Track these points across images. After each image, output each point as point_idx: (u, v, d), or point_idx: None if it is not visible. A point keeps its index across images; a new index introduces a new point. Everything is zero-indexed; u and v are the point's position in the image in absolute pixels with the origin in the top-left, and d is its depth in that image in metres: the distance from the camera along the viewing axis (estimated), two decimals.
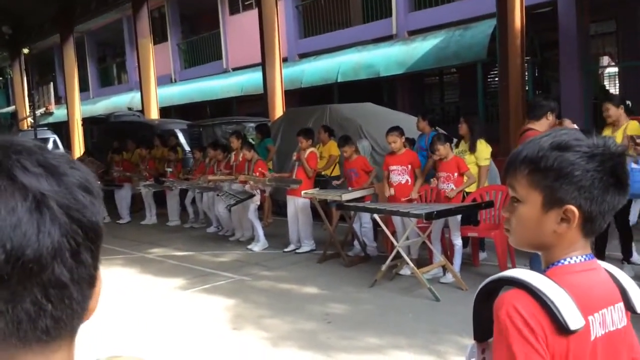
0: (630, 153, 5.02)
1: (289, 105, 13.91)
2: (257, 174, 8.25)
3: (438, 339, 4.42)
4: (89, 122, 19.88)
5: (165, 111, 19.19)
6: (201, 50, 21.70)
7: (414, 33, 14.63)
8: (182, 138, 12.92)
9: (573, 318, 1.02)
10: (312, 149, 7.84)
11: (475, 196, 6.45)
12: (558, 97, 11.37)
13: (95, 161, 12.20)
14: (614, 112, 5.67)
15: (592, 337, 1.07)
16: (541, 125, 4.64)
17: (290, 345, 4.52)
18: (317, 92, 15.90)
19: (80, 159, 13.13)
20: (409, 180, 6.54)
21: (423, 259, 6.47)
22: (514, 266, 5.97)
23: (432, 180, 6.51)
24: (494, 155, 8.42)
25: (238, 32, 19.46)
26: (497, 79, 12.15)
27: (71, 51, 20.06)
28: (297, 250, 7.76)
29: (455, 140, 6.93)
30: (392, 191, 6.62)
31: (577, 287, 1.07)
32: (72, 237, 0.53)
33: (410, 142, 7.48)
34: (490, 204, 6.08)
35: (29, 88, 24.91)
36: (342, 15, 16.67)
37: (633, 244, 5.78)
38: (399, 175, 6.57)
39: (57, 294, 0.52)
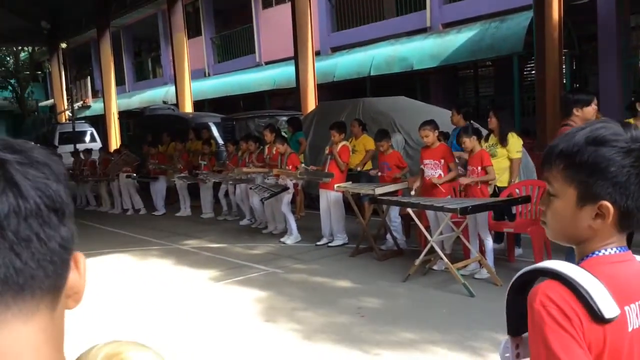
0: None
1: (321, 99, 13.91)
2: (290, 167, 8.29)
3: (473, 335, 4.38)
4: (125, 116, 20.26)
5: (199, 105, 19.40)
6: (234, 45, 21.84)
7: (449, 25, 14.45)
8: (215, 131, 13.05)
9: (608, 306, 1.01)
10: (344, 142, 7.83)
11: (511, 191, 6.36)
12: (596, 90, 11.10)
13: (131, 154, 12.41)
14: None
15: (630, 328, 1.05)
16: (574, 120, 4.55)
17: (324, 339, 4.54)
18: (350, 85, 15.86)
19: (116, 151, 13.37)
20: (442, 174, 6.47)
21: (458, 254, 6.42)
22: None
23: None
24: (530, 150, 8.30)
25: (271, 26, 19.51)
26: (533, 72, 11.93)
27: (107, 46, 20.41)
28: (330, 244, 7.77)
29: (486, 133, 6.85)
30: (418, 185, 6.62)
31: (612, 278, 1.06)
32: (32, 199, 0.55)
33: (445, 136, 7.41)
34: (527, 199, 5.98)
35: (67, 82, 25.44)
36: (375, 8, 16.57)
37: None
38: (432, 169, 6.51)
39: (24, 250, 0.54)
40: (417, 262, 5.89)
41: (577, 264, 1.11)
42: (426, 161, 6.53)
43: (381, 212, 7.24)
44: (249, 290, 6.00)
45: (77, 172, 13.58)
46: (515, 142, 6.49)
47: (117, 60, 23.60)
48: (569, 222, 1.12)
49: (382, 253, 7.01)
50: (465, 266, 5.95)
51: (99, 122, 23.01)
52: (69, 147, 18.14)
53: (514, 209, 6.47)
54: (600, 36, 11.88)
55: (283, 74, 17.15)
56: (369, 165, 8.58)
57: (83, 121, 22.98)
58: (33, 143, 0.62)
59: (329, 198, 7.67)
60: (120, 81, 25.26)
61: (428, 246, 5.89)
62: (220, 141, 12.68)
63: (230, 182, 9.86)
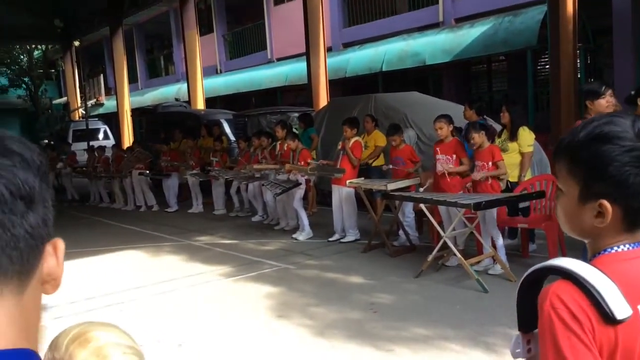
0: None
1: (333, 94, 13.87)
2: (302, 163, 8.27)
3: (486, 331, 4.34)
4: (138, 113, 20.34)
5: (211, 101, 19.43)
6: (246, 41, 21.85)
7: (461, 20, 14.35)
8: (227, 128, 13.06)
9: (619, 307, 0.98)
10: (356, 138, 7.80)
11: (525, 186, 6.30)
12: (612, 84, 10.95)
13: (144, 151, 12.46)
14: None
15: None
16: (589, 113, 4.50)
17: (336, 334, 4.52)
18: (362, 81, 15.80)
19: (129, 148, 13.44)
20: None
21: (471, 250, 6.37)
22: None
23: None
24: (544, 145, 8.22)
25: (282, 22, 19.50)
26: (547, 66, 11.81)
27: (120, 43, 20.50)
28: (342, 240, 7.75)
29: (500, 128, 6.80)
30: (430, 181, 6.59)
31: (624, 276, 1.03)
32: None
33: (458, 131, 7.36)
34: (541, 194, 5.92)
35: (80, 80, 25.60)
36: (387, 3, 16.49)
37: None
38: (444, 164, 6.47)
39: None
40: (430, 258, 5.86)
41: (589, 260, 1.08)
42: (439, 156, 6.49)
43: (393, 208, 7.21)
44: (261, 286, 6.00)
45: (90, 169, 13.67)
46: (526, 136, 6.43)
47: (130, 57, 23.70)
48: (574, 219, 1.10)
49: (394, 249, 6.98)
50: (478, 262, 5.90)
51: (112, 120, 23.13)
52: (83, 145, 18.27)
53: (527, 204, 6.41)
54: (616, 30, 11.73)
55: (295, 70, 17.13)
56: (380, 161, 8.55)
57: (96, 119, 23.14)
58: (9, 133, 0.62)
59: (341, 194, 7.65)
60: (133, 79, 25.38)
61: (441, 242, 5.85)
62: (232, 138, 12.69)
63: (242, 180, 9.86)
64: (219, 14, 22.84)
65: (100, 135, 21.26)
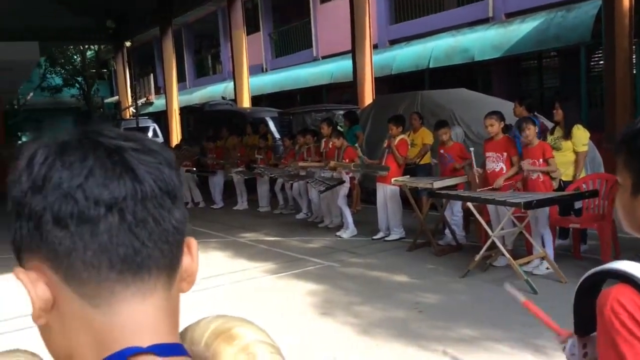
0: None
1: (379, 92, 13.77)
2: (347, 160, 8.23)
3: (535, 333, 4.21)
4: (186, 111, 20.69)
5: (256, 100, 19.60)
6: (291, 39, 21.94)
7: (512, 15, 14.00)
8: (272, 126, 13.13)
9: None
10: (402, 136, 7.71)
11: (577, 185, 6.09)
12: None
13: (191, 149, 12.65)
14: None
15: None
16: None
17: (381, 333, 4.47)
18: (408, 78, 15.63)
19: (177, 146, 13.68)
20: (504, 168, 6.25)
21: (520, 250, 6.20)
22: (617, 259, 5.59)
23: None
24: (598, 143, 7.93)
25: (328, 20, 19.48)
26: (601, 62, 11.40)
27: (170, 43, 20.90)
28: (386, 238, 7.67)
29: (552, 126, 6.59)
30: (477, 173, 6.45)
31: None
32: (147, 182, 0.58)
33: (508, 129, 7.18)
34: (594, 193, 5.71)
35: (131, 79, 26.24)
36: None
37: None
38: (493, 162, 6.31)
39: (141, 232, 0.56)
40: (478, 257, 5.73)
41: None
42: (488, 154, 6.34)
43: (439, 206, 7.09)
44: (305, 283, 5.99)
45: None
46: (581, 134, 6.21)
47: (179, 57, 24.13)
48: (630, 213, 1.07)
49: (440, 248, 6.87)
50: (528, 262, 5.74)
51: (161, 118, 23.62)
52: None
53: (580, 204, 6.19)
54: None
55: (340, 67, 17.09)
56: (426, 160, 8.43)
57: (146, 117, 23.66)
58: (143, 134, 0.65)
59: (386, 192, 7.57)
60: (181, 78, 25.84)
61: (489, 241, 5.72)
62: (277, 135, 12.75)
63: (287, 179, 9.88)
64: (266, 12, 23.00)
65: (150, 134, 21.71)
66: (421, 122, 8.52)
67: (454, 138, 7.60)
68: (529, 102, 7.10)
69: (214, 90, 23.42)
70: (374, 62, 13.63)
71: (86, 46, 32.37)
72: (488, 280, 5.64)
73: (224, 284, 6.19)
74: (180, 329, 0.65)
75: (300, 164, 9.27)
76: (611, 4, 9.47)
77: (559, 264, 5.53)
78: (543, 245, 5.70)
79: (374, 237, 7.77)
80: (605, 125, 9.70)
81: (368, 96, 13.16)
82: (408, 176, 7.50)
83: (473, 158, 6.70)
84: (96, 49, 33.01)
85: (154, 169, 0.58)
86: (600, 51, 11.20)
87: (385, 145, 7.73)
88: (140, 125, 20.56)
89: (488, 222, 6.10)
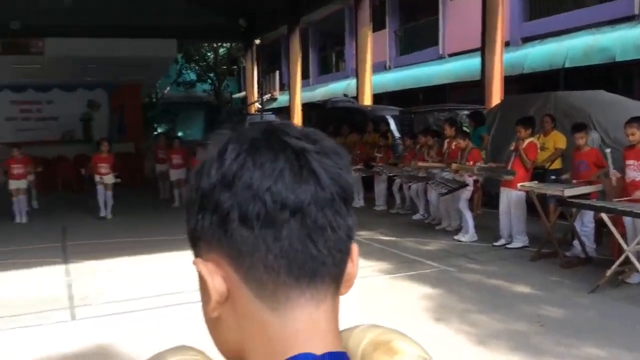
0: None
1: (508, 92, 13.16)
2: (471, 163, 7.95)
3: None
4: (308, 108, 21.09)
5: (378, 97, 19.52)
6: (417, 37, 21.62)
7: None
8: (392, 124, 13.01)
9: None
10: (531, 139, 7.31)
11: None
12: None
13: None
14: None
15: None
16: None
17: (499, 345, 4.25)
18: (539, 78, 14.82)
19: None
20: None
21: None
22: None
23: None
24: None
25: (457, 16, 18.96)
26: None
27: (296, 41, 21.41)
28: (508, 245, 7.32)
29: None
30: (615, 176, 5.94)
31: None
32: (328, 188, 0.57)
33: None
34: None
35: (258, 76, 27.22)
36: None
37: None
38: (634, 171, 5.80)
39: (319, 238, 0.56)
40: (609, 272, 5.29)
41: None
42: (629, 162, 5.84)
43: (569, 216, 6.63)
44: (420, 286, 5.86)
45: None
46: None
47: (304, 55, 24.66)
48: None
49: (566, 259, 6.43)
50: None
51: (284, 113, 24.27)
52: None
53: None
54: None
55: (466, 66, 16.56)
56: (557, 165, 7.93)
57: (270, 112, 24.43)
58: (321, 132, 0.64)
59: (510, 197, 7.22)
60: (305, 75, 26.39)
61: (623, 256, 5.27)
62: (397, 134, 12.61)
63: (406, 180, 9.73)
64: (392, 10, 22.85)
65: None
66: (553, 124, 8.03)
67: (590, 143, 7.08)
68: None
69: (336, 87, 23.66)
70: (504, 60, 13.05)
71: (219, 44, 34.03)
72: (619, 298, 5.19)
73: None
74: None
75: (420, 163, 9.10)
76: None
77: None
78: None
79: (495, 244, 7.44)
80: None
81: (496, 96, 12.62)
82: (536, 182, 7.09)
83: (610, 163, 6.21)
84: (228, 46, 34.60)
85: (335, 174, 0.58)
86: None
87: (512, 147, 7.38)
88: (264, 120, 21.23)
89: (623, 235, 5.61)
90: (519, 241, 7.26)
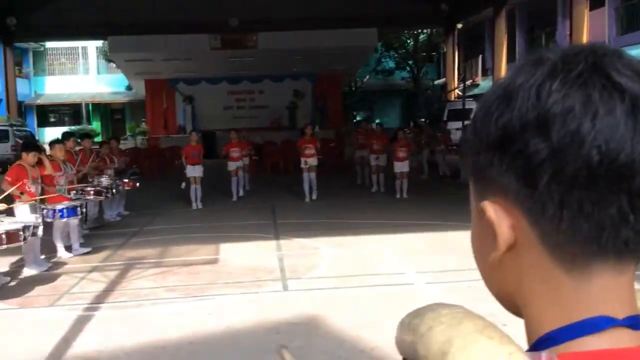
0: None
1: None
2: None
3: None
4: None
5: None
6: None
7: None
8: None
9: None
10: None
11: None
12: None
13: None
14: None
15: None
16: None
17: None
18: None
19: None
20: None
21: None
22: None
23: None
24: None
25: None
26: None
27: (502, 24, 20.43)
28: None
29: None
30: None
31: None
32: None
33: None
34: None
35: (458, 61, 26.55)
36: None
37: None
38: None
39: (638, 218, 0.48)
40: None
41: None
42: None
43: None
44: None
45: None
46: None
47: (510, 37, 23.45)
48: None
49: None
50: None
51: None
52: (457, 124, 18.94)
53: None
54: None
55: None
56: None
57: (471, 99, 23.70)
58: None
59: None
60: (511, 59, 25.11)
61: None
62: None
63: None
64: None
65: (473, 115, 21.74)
66: None
67: None
68: None
69: None
70: None
71: (419, 30, 33.85)
72: None
73: None
74: None
75: None
76: None
77: None
78: None
79: None
80: None
81: None
82: None
83: None
84: (428, 32, 34.27)
85: None
86: None
87: None
88: (466, 107, 20.69)
89: None
90: None
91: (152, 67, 24.35)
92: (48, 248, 7.45)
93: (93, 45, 34.94)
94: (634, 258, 0.52)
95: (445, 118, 21.82)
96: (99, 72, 36.15)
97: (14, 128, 20.84)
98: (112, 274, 6.61)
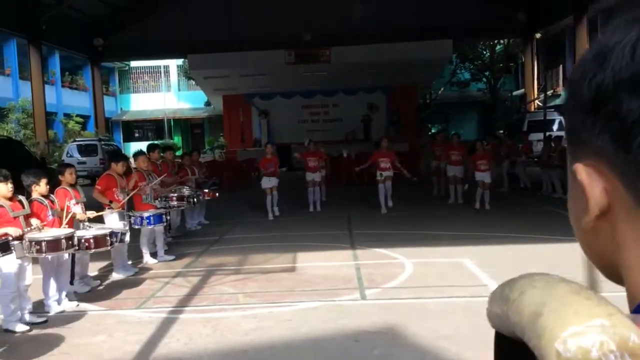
0: None
1: None
2: None
3: None
4: None
5: None
6: None
7: None
8: None
9: None
10: None
11: None
12: None
13: None
14: None
15: None
16: None
17: None
18: None
19: None
20: None
21: None
22: None
23: None
24: None
25: None
26: None
27: (584, 31, 19.66)
28: None
29: None
30: None
31: None
32: None
33: None
34: None
35: (538, 71, 25.74)
36: None
37: None
38: None
39: None
40: None
41: None
42: None
43: None
44: None
45: (545, 159, 13.62)
46: None
47: None
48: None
49: None
50: None
51: None
52: (538, 135, 18.34)
53: None
54: None
55: None
56: None
57: (552, 110, 22.90)
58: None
59: None
60: None
61: None
62: None
63: None
64: None
65: (555, 126, 20.96)
66: None
67: None
68: None
69: None
70: None
71: (495, 41, 33.14)
72: None
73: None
74: None
75: None
76: None
77: None
78: None
79: None
80: None
81: None
82: None
83: None
84: (505, 43, 33.49)
85: None
86: None
87: None
88: (547, 118, 20.01)
89: None
90: None
91: (230, 83, 25.10)
92: (135, 254, 7.77)
93: (174, 64, 36.49)
94: None
95: (525, 129, 21.17)
96: (179, 89, 37.66)
97: (102, 143, 21.96)
98: (194, 280, 6.80)
